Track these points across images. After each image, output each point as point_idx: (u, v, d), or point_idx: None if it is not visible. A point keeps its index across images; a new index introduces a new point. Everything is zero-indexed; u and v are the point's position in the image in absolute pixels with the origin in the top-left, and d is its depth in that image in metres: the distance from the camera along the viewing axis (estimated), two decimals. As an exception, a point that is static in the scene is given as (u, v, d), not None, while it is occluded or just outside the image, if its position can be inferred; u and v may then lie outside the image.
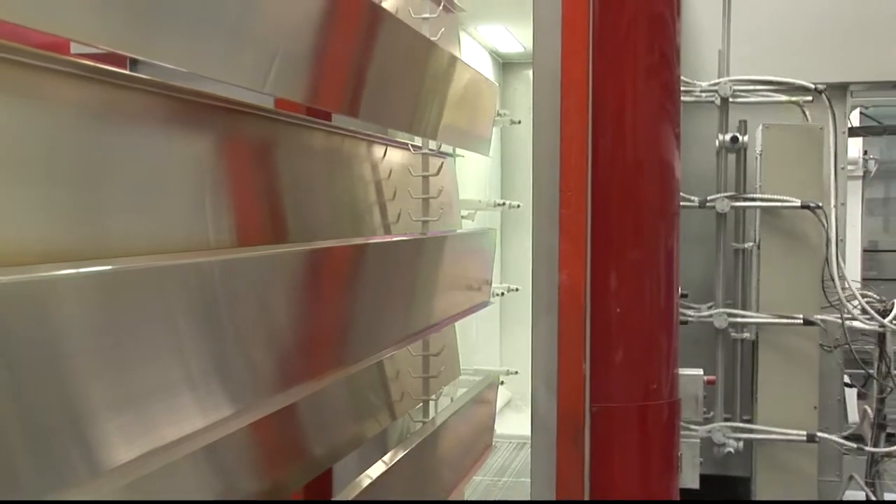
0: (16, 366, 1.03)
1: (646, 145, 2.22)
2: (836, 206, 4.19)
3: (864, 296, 4.28)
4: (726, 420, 4.17)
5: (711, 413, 4.16)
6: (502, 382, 3.79)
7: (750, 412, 4.24)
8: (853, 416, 4.63)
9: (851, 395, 4.78)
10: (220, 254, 1.51)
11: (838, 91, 4.62)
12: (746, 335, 4.25)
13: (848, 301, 4.03)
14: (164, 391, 1.30)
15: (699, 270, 4.26)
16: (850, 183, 5.72)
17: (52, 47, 1.20)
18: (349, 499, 1.92)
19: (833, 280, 4.02)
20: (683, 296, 2.72)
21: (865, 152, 7.43)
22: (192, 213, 1.51)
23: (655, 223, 2.22)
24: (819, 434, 4.03)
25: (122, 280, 1.23)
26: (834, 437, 4.10)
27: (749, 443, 4.17)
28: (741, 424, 4.16)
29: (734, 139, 4.17)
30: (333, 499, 2.00)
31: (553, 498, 2.06)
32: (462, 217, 3.20)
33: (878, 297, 4.45)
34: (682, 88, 2.36)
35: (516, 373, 4.07)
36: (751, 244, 4.31)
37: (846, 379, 4.59)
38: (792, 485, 4.07)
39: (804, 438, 4.03)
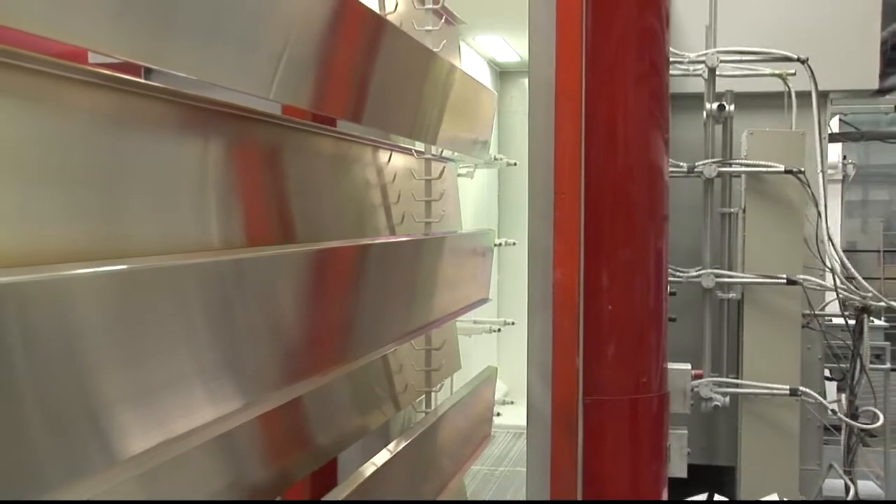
0: (37, 360, 1.03)
1: (636, 151, 2.22)
2: (822, 173, 4.18)
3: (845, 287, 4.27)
4: (714, 376, 4.15)
5: (700, 369, 4.15)
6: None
7: (736, 368, 4.24)
8: (833, 406, 4.64)
9: (831, 387, 4.79)
10: (230, 254, 1.51)
11: (818, 98, 4.62)
12: (732, 295, 4.25)
13: (828, 266, 4.01)
14: (178, 384, 1.30)
15: (688, 235, 4.27)
16: (830, 186, 5.73)
17: (70, 57, 1.20)
18: (354, 487, 1.91)
19: (819, 243, 4.00)
20: (672, 294, 2.71)
21: (844, 157, 7.45)
22: (204, 215, 1.51)
23: (645, 225, 2.22)
24: (801, 389, 4.02)
25: (137, 279, 1.23)
26: (813, 393, 4.09)
27: (735, 398, 4.15)
28: (727, 380, 4.15)
29: (721, 107, 4.17)
30: (338, 486, 1.99)
31: (548, 487, 2.05)
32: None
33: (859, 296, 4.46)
34: (670, 60, 2.35)
35: (513, 323, 4.07)
36: (737, 209, 4.32)
37: (827, 373, 4.60)
38: (774, 436, 4.06)
39: (787, 392, 4.03)
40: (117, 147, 1.31)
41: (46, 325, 1.05)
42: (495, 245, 4.63)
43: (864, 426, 4.15)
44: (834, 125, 5.89)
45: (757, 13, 4.60)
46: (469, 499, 3.29)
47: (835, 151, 7.01)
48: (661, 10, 2.29)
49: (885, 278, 12.83)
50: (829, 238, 4.05)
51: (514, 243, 4.70)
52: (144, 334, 1.24)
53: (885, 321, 5.39)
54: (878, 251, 13.27)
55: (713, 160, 4.15)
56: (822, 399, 4.16)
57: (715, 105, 4.18)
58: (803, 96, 4.32)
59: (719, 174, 4.17)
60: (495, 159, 4.41)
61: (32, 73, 1.12)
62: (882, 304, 4.11)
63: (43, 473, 1.04)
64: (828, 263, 4.05)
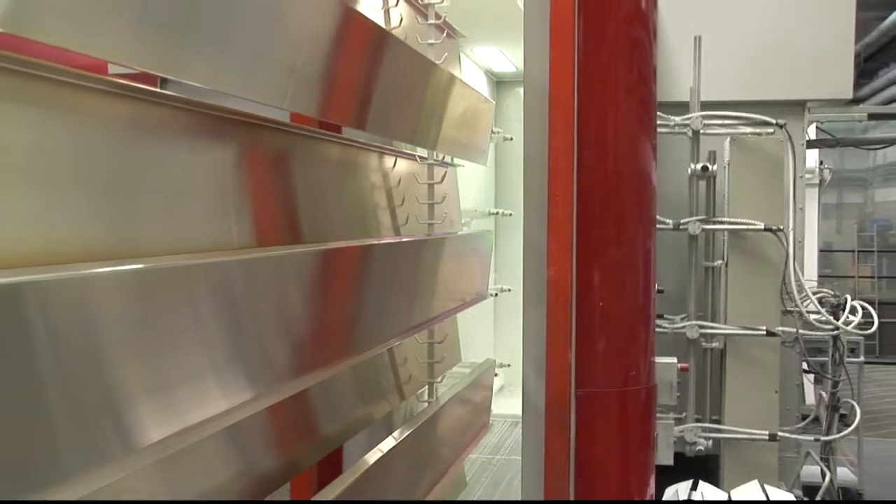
0: (59, 354, 1.03)
1: (625, 155, 2.22)
2: (795, 215, 4.21)
3: (818, 293, 4.29)
4: (697, 420, 4.17)
5: (684, 414, 4.17)
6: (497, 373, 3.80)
7: (718, 413, 4.25)
8: (810, 398, 4.65)
9: (809, 380, 4.79)
10: (243, 253, 1.51)
11: (797, 108, 4.64)
12: (715, 344, 4.27)
13: (801, 302, 4.03)
14: (193, 377, 1.30)
15: (674, 285, 4.27)
16: (808, 190, 5.74)
17: (92, 68, 1.20)
18: (359, 473, 1.91)
19: (791, 290, 4.03)
20: (660, 291, 2.71)
21: (821, 162, 7.45)
22: (217, 217, 1.51)
23: (634, 225, 2.22)
24: (780, 433, 4.04)
25: (154, 277, 1.23)
26: (793, 436, 4.12)
27: (717, 440, 4.18)
28: (710, 425, 4.17)
29: (705, 168, 4.19)
30: (345, 473, 1.99)
31: (542, 474, 2.05)
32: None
33: (832, 293, 4.46)
34: (657, 122, 2.36)
35: (509, 365, 4.08)
36: (720, 262, 4.32)
37: (804, 366, 4.60)
38: (755, 465, 4.09)
39: (766, 438, 4.05)
40: (135, 153, 1.30)
41: (69, 320, 1.05)
42: (492, 213, 4.67)
43: (842, 436, 4.17)
44: (811, 132, 5.90)
45: (743, 27, 4.61)
46: (468, 483, 3.29)
47: (812, 157, 7.01)
48: (649, 24, 2.29)
49: (859, 277, 12.85)
50: (802, 286, 4.06)
51: (510, 214, 4.73)
52: (161, 329, 1.23)
53: (862, 320, 5.37)
54: (853, 251, 13.28)
55: (697, 218, 4.15)
56: (799, 437, 4.17)
57: (699, 166, 4.19)
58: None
59: (703, 230, 4.17)
60: (494, 133, 4.42)
61: (57, 83, 1.12)
62: (854, 322, 4.09)
63: (67, 460, 1.04)
64: (797, 301, 4.04)
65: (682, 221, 4.13)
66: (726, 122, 4.28)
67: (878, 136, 11.64)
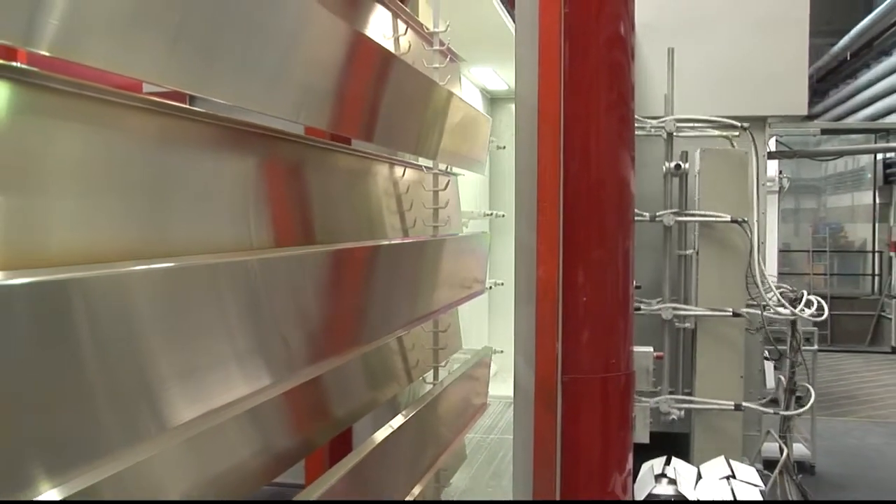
0: (100, 342, 1.02)
1: (607, 166, 2.21)
2: (757, 218, 4.24)
3: (778, 287, 4.30)
4: (671, 393, 4.20)
5: (659, 387, 4.19)
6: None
7: (690, 386, 4.27)
8: (770, 383, 4.65)
9: (769, 366, 4.79)
10: (265, 253, 1.50)
11: (759, 123, 4.65)
12: (688, 325, 4.29)
13: (765, 293, 4.06)
14: (220, 364, 1.30)
15: (650, 272, 4.29)
16: (769, 197, 5.75)
17: (129, 87, 1.19)
18: (371, 448, 1.90)
19: (755, 279, 4.06)
20: (637, 287, 2.71)
21: (780, 172, 7.46)
22: (240, 220, 1.50)
23: (614, 229, 2.21)
24: (744, 403, 4.08)
25: (184, 274, 1.22)
26: (755, 406, 4.15)
27: (689, 410, 4.20)
28: (683, 397, 4.20)
29: (678, 166, 4.21)
30: (360, 446, 1.97)
31: (531, 452, 2.04)
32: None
33: (790, 288, 4.47)
34: (635, 125, 2.36)
35: (502, 352, 4.07)
36: (691, 251, 4.34)
37: (766, 354, 4.61)
38: (722, 442, 4.11)
39: (732, 407, 4.08)
40: (167, 162, 1.30)
41: (109, 313, 1.05)
42: (486, 215, 4.66)
43: (799, 412, 4.18)
44: (772, 144, 5.92)
45: (710, 52, 4.63)
46: (468, 456, 3.28)
47: (773, 167, 7.03)
48: (627, 48, 2.29)
49: (813, 274, 12.88)
50: (763, 274, 4.08)
51: (503, 215, 4.72)
52: (191, 321, 1.23)
53: (814, 312, 5.39)
54: (808, 251, 13.31)
55: (671, 210, 4.18)
56: (761, 408, 4.19)
57: (673, 164, 4.21)
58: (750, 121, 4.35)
59: (677, 222, 4.20)
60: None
61: (98, 101, 1.12)
62: (809, 312, 4.11)
63: (107, 437, 1.04)
64: (762, 291, 4.06)
65: (657, 214, 4.16)
66: (696, 125, 4.30)
67: (829, 148, 11.68)
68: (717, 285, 4.11)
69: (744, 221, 4.03)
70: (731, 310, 4.05)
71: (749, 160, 4.20)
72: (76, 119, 1.09)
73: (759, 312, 4.04)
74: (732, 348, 4.12)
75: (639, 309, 3.98)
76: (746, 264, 4.08)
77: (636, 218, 2.38)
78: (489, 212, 4.76)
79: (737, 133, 4.29)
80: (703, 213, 4.11)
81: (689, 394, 4.21)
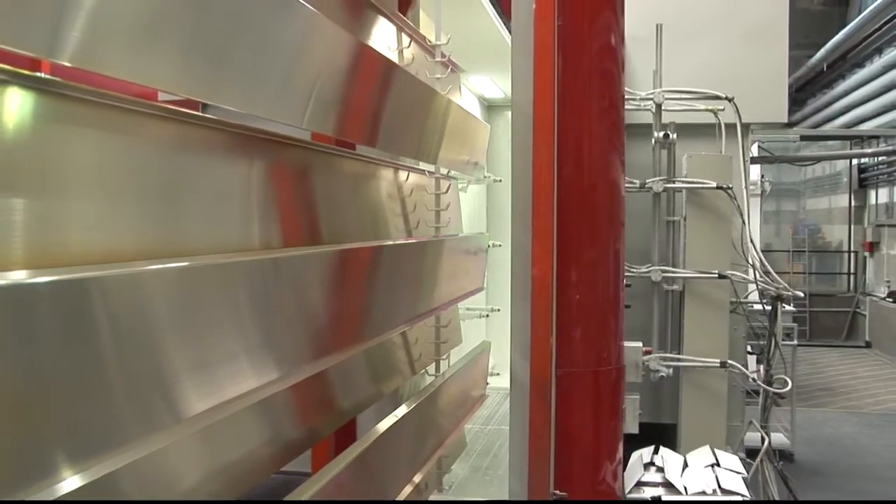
0: (118, 338, 1.02)
1: (598, 171, 2.21)
2: (746, 188, 4.23)
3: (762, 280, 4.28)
4: (660, 352, 4.20)
5: (649, 346, 4.19)
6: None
7: (678, 346, 4.28)
8: (753, 375, 4.65)
9: (752, 360, 4.80)
10: (272, 253, 1.50)
11: (742, 129, 4.64)
12: (676, 287, 4.28)
13: (750, 264, 4.06)
14: (231, 358, 1.29)
15: (640, 238, 4.30)
16: (752, 199, 5.76)
17: (145, 96, 1.19)
18: (376, 436, 1.90)
19: (745, 246, 4.06)
20: (627, 286, 2.71)
21: (762, 176, 7.48)
22: (252, 221, 1.50)
23: (606, 230, 2.21)
24: (729, 362, 4.08)
25: (196, 273, 1.22)
26: (738, 365, 4.15)
27: (677, 369, 4.19)
28: (671, 355, 4.19)
29: (666, 136, 4.21)
30: (365, 435, 1.96)
31: (527, 442, 2.04)
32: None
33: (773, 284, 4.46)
34: (625, 97, 2.35)
35: (499, 309, 4.05)
36: (679, 217, 4.34)
37: (749, 348, 4.61)
38: (707, 399, 4.11)
39: (717, 365, 4.08)
40: (181, 167, 1.30)
41: (126, 310, 1.04)
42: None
43: (777, 391, 4.17)
44: (754, 150, 5.93)
45: (697, 62, 4.64)
46: (468, 443, 3.27)
47: (755, 171, 7.04)
48: (618, 58, 2.29)
49: (793, 273, 12.90)
50: (752, 241, 4.08)
51: (499, 245, 4.67)
52: (203, 318, 1.23)
53: (794, 307, 5.42)
54: (788, 251, 13.33)
55: (660, 178, 4.18)
56: (744, 369, 4.19)
57: (661, 133, 4.21)
58: (731, 128, 4.36)
59: (665, 189, 4.20)
60: (485, 177, 4.40)
61: (115, 108, 1.12)
62: (789, 293, 4.13)
63: (126, 426, 1.03)
64: (749, 261, 4.08)
65: (647, 181, 4.16)
66: (683, 97, 4.29)
67: (808, 154, 11.70)
68: (703, 249, 4.11)
69: (728, 188, 4.02)
70: (717, 272, 4.04)
71: (733, 163, 4.20)
72: (96, 126, 1.08)
73: (743, 277, 4.03)
74: (718, 308, 4.13)
75: (629, 275, 3.95)
76: (730, 228, 4.09)
77: (626, 186, 2.37)
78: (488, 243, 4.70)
79: (721, 107, 4.29)
80: (690, 179, 4.11)
81: (678, 354, 4.22)
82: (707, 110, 4.35)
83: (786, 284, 4.10)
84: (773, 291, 4.16)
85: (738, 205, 4.05)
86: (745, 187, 4.28)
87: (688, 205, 4.18)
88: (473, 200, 4.84)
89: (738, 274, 4.09)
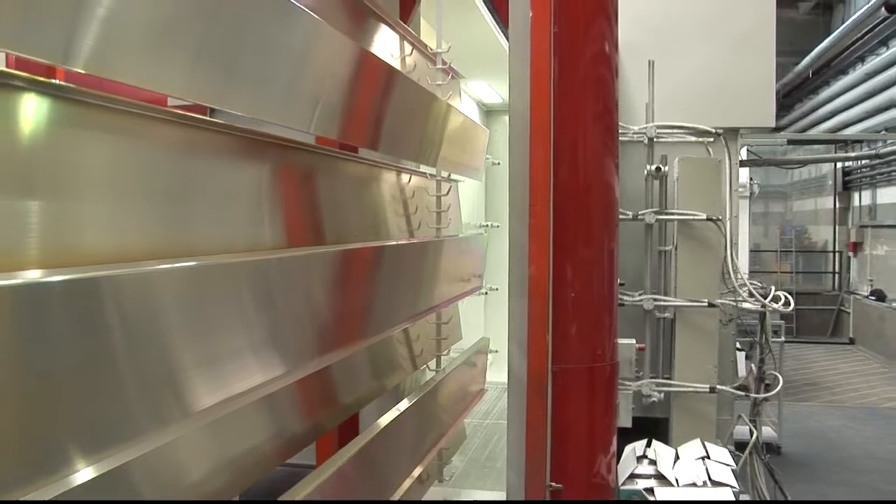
0: (129, 334, 1.02)
1: (593, 172, 2.21)
2: (730, 219, 4.24)
3: (750, 284, 4.30)
4: (652, 377, 4.20)
5: (641, 372, 4.19)
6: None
7: (669, 371, 4.28)
8: (742, 371, 4.65)
9: (741, 356, 4.80)
10: (279, 252, 1.50)
11: (731, 133, 4.66)
12: (667, 315, 4.29)
13: (739, 288, 4.07)
14: (238, 354, 1.29)
15: (633, 266, 4.29)
16: (741, 201, 5.77)
17: (155, 101, 1.19)
18: (378, 430, 1.90)
19: (729, 273, 4.06)
20: (621, 284, 2.71)
21: (751, 179, 7.48)
22: (259, 222, 1.49)
23: (600, 230, 2.21)
24: (718, 387, 4.08)
25: (205, 272, 1.22)
26: (727, 388, 4.15)
27: (668, 393, 4.20)
28: (662, 381, 4.20)
29: (658, 169, 4.20)
30: (368, 428, 1.96)
31: (524, 436, 2.04)
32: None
33: (760, 285, 4.47)
34: (619, 131, 2.36)
35: (497, 289, 4.05)
36: (670, 247, 4.34)
37: (738, 345, 4.61)
38: (698, 423, 4.11)
39: (707, 390, 4.09)
40: (189, 170, 1.29)
41: (137, 308, 1.04)
42: (482, 226, 4.65)
43: (766, 396, 4.19)
44: (743, 153, 5.93)
45: (688, 69, 4.65)
46: (468, 434, 3.27)
47: (744, 174, 7.05)
48: (612, 64, 2.29)
49: (781, 272, 12.91)
50: (736, 269, 4.09)
51: (497, 225, 4.71)
52: (211, 316, 1.22)
53: (781, 306, 5.43)
54: (776, 251, 13.35)
55: (652, 210, 4.18)
56: (733, 391, 4.19)
57: (654, 167, 4.20)
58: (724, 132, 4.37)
59: (657, 220, 4.20)
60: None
61: (127, 113, 1.11)
62: (777, 310, 4.12)
63: (137, 420, 1.03)
64: (735, 285, 4.07)
65: (639, 213, 4.17)
66: (675, 131, 4.30)
67: (794, 157, 11.71)
68: (693, 278, 4.12)
69: (718, 220, 4.03)
70: (706, 301, 4.06)
71: (723, 167, 4.20)
72: (108, 130, 1.08)
73: (732, 303, 4.05)
74: (708, 336, 4.14)
75: (622, 304, 3.98)
76: (721, 259, 4.09)
77: (620, 217, 2.38)
78: (485, 223, 4.76)
79: (711, 139, 4.29)
80: (681, 212, 4.11)
81: (669, 378, 4.22)
82: (699, 142, 4.33)
83: (772, 305, 4.08)
84: (760, 308, 4.18)
85: (725, 236, 4.07)
86: (732, 191, 4.28)
87: (679, 235, 4.19)
88: (473, 183, 4.85)
89: (727, 302, 4.11)
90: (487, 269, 4.78)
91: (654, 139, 4.26)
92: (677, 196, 4.22)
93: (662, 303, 4.18)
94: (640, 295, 4.21)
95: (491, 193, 5.15)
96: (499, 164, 4.54)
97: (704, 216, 4.04)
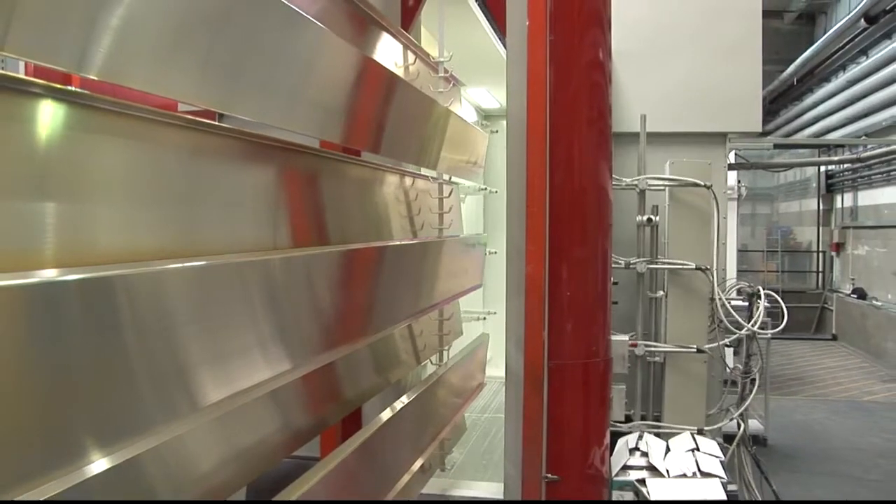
0: (141, 332, 1.01)
1: (587, 175, 2.21)
2: (717, 267, 4.15)
3: (737, 285, 4.28)
4: (643, 418, 4.16)
5: (632, 411, 4.18)
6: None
7: (660, 412, 4.26)
8: (731, 364, 4.65)
9: (729, 352, 4.79)
10: (286, 252, 1.49)
11: (720, 137, 4.66)
12: (658, 359, 4.25)
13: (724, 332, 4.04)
14: (245, 351, 1.28)
15: (625, 311, 4.26)
16: (729, 203, 5.76)
17: (165, 106, 1.19)
18: (381, 423, 1.89)
19: (720, 315, 4.05)
20: (615, 283, 2.70)
21: (739, 181, 7.47)
22: (265, 223, 1.49)
23: (595, 231, 2.21)
24: (706, 428, 4.00)
25: (214, 271, 1.21)
26: (712, 429, 4.10)
27: (658, 434, 4.15)
28: (653, 423, 4.16)
29: (649, 219, 4.17)
30: (375, 419, 1.95)
31: (521, 429, 2.04)
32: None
33: (748, 285, 4.46)
34: (612, 182, 2.33)
35: (495, 313, 4.00)
36: (661, 293, 4.30)
37: (727, 341, 4.59)
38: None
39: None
40: (198, 173, 1.29)
41: (148, 306, 1.04)
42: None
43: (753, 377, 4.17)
44: (731, 157, 5.93)
45: (677, 76, 4.64)
46: (467, 427, 3.26)
47: (732, 177, 7.04)
48: (606, 71, 2.28)
49: (767, 271, 12.92)
50: (724, 304, 4.07)
51: (495, 252, 4.63)
52: (220, 313, 1.22)
53: (768, 303, 5.41)
54: (763, 251, 13.35)
55: (644, 259, 4.16)
56: (719, 440, 4.16)
57: (645, 217, 4.17)
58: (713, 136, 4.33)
59: (648, 269, 4.17)
60: (481, 189, 4.39)
61: (138, 118, 1.11)
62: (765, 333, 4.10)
63: (148, 413, 1.03)
64: (724, 319, 4.05)
65: (631, 261, 4.15)
66: (665, 184, 4.24)
67: (780, 161, 11.72)
68: (683, 324, 4.11)
69: (706, 269, 4.02)
70: (695, 346, 4.06)
71: (711, 205, 4.14)
72: (122, 135, 1.08)
73: (718, 345, 4.03)
74: (696, 379, 4.13)
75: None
76: (709, 306, 4.08)
77: (613, 265, 2.36)
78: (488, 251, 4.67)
79: (706, 189, 4.20)
80: (671, 261, 4.09)
81: (658, 418, 4.21)
82: (693, 184, 4.27)
83: (759, 332, 4.08)
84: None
85: (713, 281, 4.06)
86: (721, 194, 4.25)
87: (669, 283, 4.18)
88: (471, 211, 4.82)
89: (715, 345, 4.10)
90: (485, 293, 4.74)
91: (646, 190, 4.22)
92: (668, 243, 4.18)
93: (653, 348, 4.16)
94: (631, 336, 4.20)
95: (489, 221, 5.06)
96: (496, 192, 4.45)
97: (693, 265, 4.03)
